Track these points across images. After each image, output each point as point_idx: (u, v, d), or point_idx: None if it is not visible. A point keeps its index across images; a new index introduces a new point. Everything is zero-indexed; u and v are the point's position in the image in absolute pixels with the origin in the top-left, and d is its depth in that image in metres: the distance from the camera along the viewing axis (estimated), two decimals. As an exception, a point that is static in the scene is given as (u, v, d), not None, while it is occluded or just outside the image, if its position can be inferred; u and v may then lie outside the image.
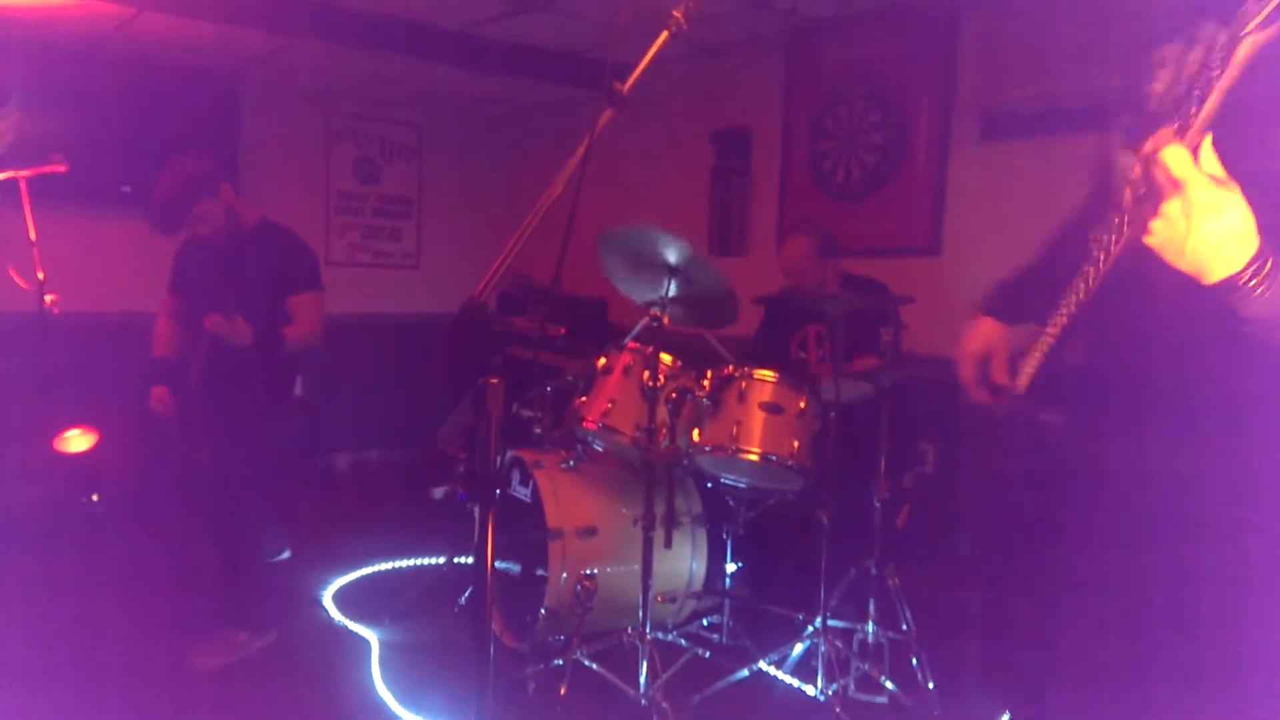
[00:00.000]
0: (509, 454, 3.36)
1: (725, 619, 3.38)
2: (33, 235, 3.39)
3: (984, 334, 1.72)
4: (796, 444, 2.93)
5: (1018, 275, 1.78)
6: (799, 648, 3.06)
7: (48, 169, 3.33)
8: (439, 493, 5.16)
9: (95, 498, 4.18)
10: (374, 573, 4.14)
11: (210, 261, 3.36)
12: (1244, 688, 1.18)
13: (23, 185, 3.35)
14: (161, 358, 3.47)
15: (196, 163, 3.25)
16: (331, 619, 3.65)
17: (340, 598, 3.85)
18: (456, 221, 6.77)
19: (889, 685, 2.96)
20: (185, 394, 3.40)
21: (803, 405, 2.99)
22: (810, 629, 3.04)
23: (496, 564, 3.21)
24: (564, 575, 3.12)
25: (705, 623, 3.46)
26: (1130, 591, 1.30)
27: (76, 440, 3.66)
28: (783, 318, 3.92)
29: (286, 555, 4.06)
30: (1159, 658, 1.26)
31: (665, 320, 3.02)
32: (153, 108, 5.21)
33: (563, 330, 3.80)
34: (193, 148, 3.48)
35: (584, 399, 3.19)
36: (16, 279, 3.33)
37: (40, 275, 3.34)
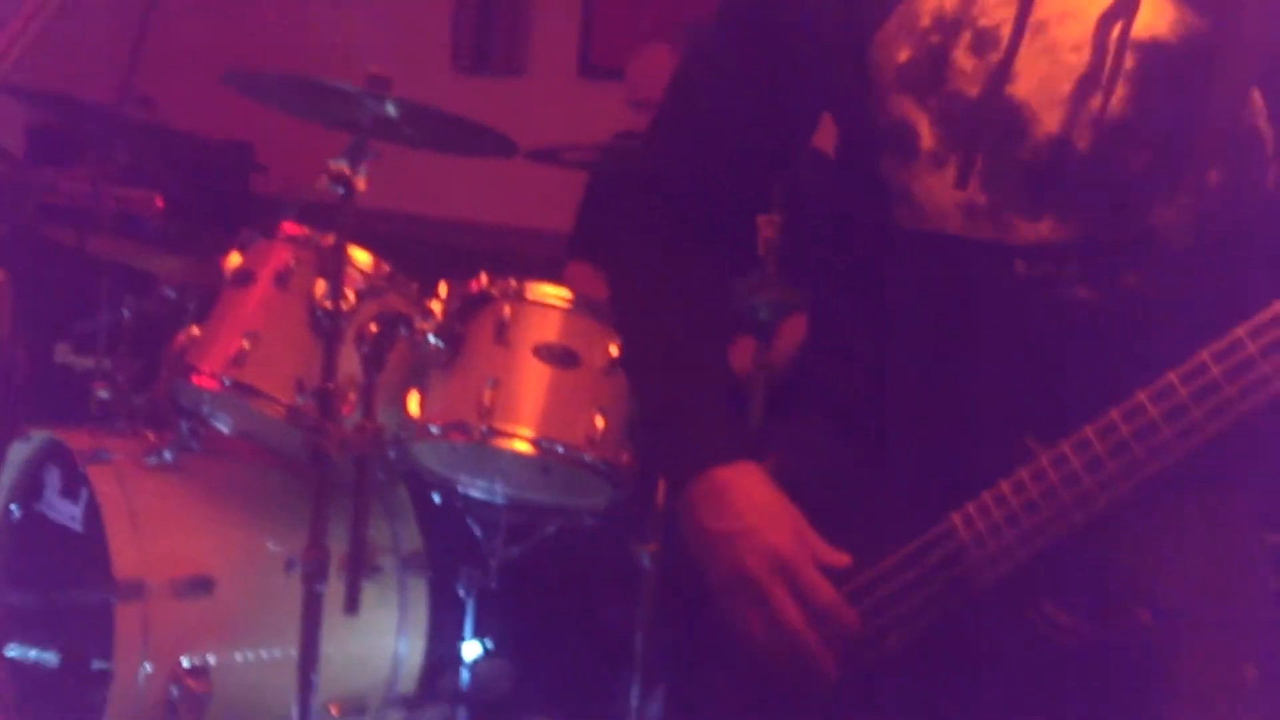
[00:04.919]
0: (39, 437, 2.47)
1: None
2: None
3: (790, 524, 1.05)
4: (602, 422, 2.23)
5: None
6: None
7: None
8: None
9: None
10: None
11: None
12: None
13: None
14: None
15: None
16: None
17: None
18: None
19: None
20: None
21: (618, 351, 2.24)
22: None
23: (11, 652, 2.58)
24: (146, 669, 2.33)
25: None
26: None
27: None
28: None
29: None
30: None
31: (359, 184, 2.12)
32: None
33: (158, 200, 2.72)
34: None
35: (195, 331, 2.44)
36: None
37: None
